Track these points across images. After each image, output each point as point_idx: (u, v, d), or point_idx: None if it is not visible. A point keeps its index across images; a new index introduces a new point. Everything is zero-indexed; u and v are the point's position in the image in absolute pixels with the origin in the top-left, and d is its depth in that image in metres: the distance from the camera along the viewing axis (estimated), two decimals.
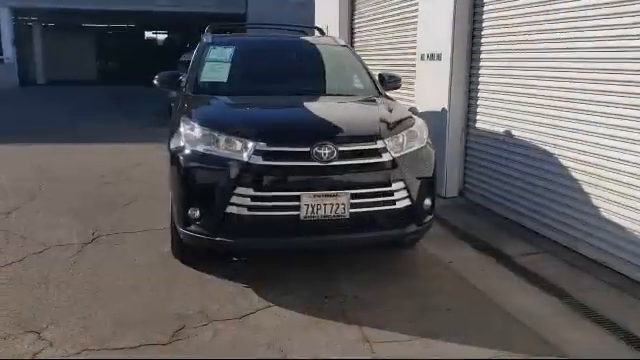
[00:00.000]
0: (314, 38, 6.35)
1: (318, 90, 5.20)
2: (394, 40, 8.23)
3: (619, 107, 4.34)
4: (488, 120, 6.08)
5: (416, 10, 7.29)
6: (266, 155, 3.82)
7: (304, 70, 5.51)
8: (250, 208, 3.83)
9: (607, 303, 3.87)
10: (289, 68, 5.50)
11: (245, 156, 3.84)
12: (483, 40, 6.15)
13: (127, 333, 3.41)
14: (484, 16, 6.10)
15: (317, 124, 4.15)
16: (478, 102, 6.30)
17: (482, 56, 6.18)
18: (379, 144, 3.99)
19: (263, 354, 3.22)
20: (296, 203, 3.82)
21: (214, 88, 4.99)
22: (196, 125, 4.11)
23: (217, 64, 5.24)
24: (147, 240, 5.07)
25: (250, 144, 3.86)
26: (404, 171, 4.02)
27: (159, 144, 10.03)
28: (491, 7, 5.97)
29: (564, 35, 4.91)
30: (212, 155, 3.94)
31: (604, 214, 4.51)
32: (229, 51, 5.39)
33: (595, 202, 4.60)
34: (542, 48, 5.18)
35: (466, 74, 6.46)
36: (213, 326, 3.52)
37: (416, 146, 4.21)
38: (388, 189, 3.98)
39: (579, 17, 4.74)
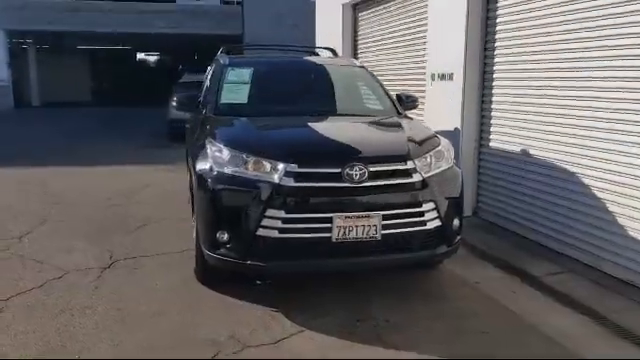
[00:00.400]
0: (330, 59, 6.34)
1: (339, 111, 5.19)
2: (402, 60, 8.26)
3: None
4: (501, 139, 6.08)
5: (425, 31, 7.32)
6: (297, 177, 3.78)
7: (323, 91, 5.50)
8: (281, 230, 3.78)
9: None
10: (308, 89, 5.49)
11: (276, 178, 3.79)
12: (496, 60, 6.17)
13: None
14: (496, 36, 6.13)
15: (346, 145, 4.11)
16: (491, 121, 6.30)
17: (495, 75, 6.20)
18: (409, 164, 3.96)
19: None
20: (328, 225, 3.77)
21: (235, 109, 4.96)
22: (223, 147, 4.07)
23: (236, 85, 5.22)
24: (166, 264, 4.99)
25: (280, 166, 3.81)
26: (434, 191, 3.99)
27: (160, 165, 10.04)
28: (503, 27, 5.99)
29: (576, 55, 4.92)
30: (241, 177, 3.90)
31: (631, 233, 4.49)
32: (248, 72, 5.38)
33: (621, 221, 4.57)
34: (554, 68, 5.20)
35: (479, 93, 6.47)
36: (248, 352, 3.45)
37: (444, 166, 4.18)
38: (419, 210, 3.94)
39: (592, 37, 4.75)
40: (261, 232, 3.79)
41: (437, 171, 4.09)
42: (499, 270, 4.89)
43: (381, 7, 9.10)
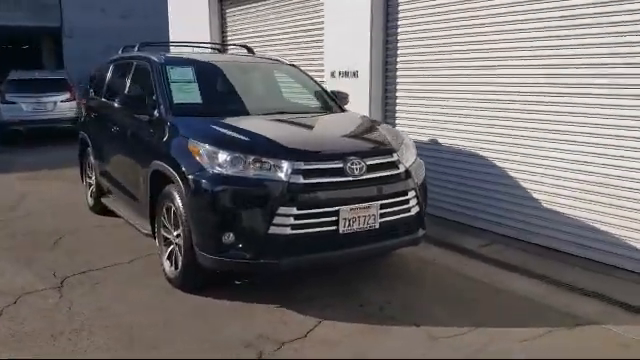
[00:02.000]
0: (262, 58, 6.38)
1: (292, 109, 5.32)
2: (293, 58, 8.51)
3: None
4: (408, 130, 6.59)
5: (320, 29, 7.66)
6: (305, 174, 3.91)
7: (269, 90, 5.58)
8: (293, 227, 3.88)
9: (579, 277, 4.62)
10: (253, 88, 5.53)
11: (283, 176, 3.88)
12: (397, 58, 6.72)
13: None
14: (397, 37, 6.69)
15: (342, 141, 4.33)
16: (396, 114, 6.86)
17: (397, 73, 6.77)
18: (395, 157, 4.31)
19: None
20: (334, 218, 3.97)
21: (191, 110, 4.83)
22: (217, 148, 4.03)
23: (183, 85, 5.07)
24: (124, 275, 4.77)
25: (285, 164, 3.91)
26: (413, 180, 4.38)
27: (12, 173, 9.14)
28: (402, 29, 6.57)
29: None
30: (247, 178, 3.91)
31: (546, 206, 5.31)
32: (189, 71, 5.24)
33: (536, 196, 5.39)
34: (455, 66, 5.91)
35: (383, 88, 7.01)
36: (290, 346, 3.54)
37: (413, 156, 4.58)
38: (405, 198, 4.31)
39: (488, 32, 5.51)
40: (273, 230, 3.86)
41: (412, 161, 4.48)
42: (442, 249, 5.43)
43: (261, 4, 9.23)
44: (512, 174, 5.56)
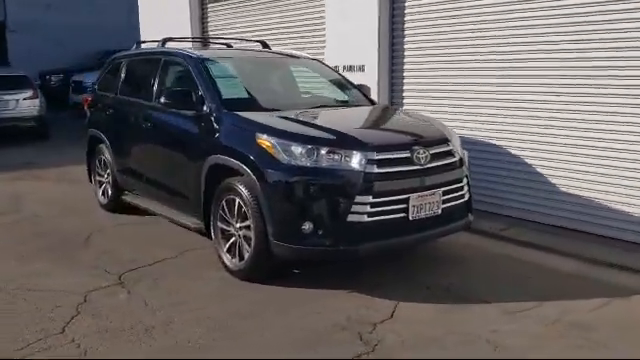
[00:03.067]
0: (290, 53, 6.47)
1: (333, 102, 5.50)
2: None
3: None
4: None
5: (320, 24, 7.83)
6: (378, 163, 4.11)
7: (307, 84, 5.71)
8: (369, 214, 4.08)
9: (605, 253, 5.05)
10: (290, 82, 5.66)
11: (359, 166, 4.07)
12: (404, 52, 7.01)
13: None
14: (404, 32, 6.97)
15: (403, 131, 4.54)
16: (403, 108, 7.14)
17: (404, 67, 7.04)
18: (450, 146, 4.57)
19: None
20: (404, 205, 4.20)
21: (240, 105, 4.90)
22: (289, 141, 4.16)
23: (226, 80, 5.15)
24: (179, 269, 4.82)
25: (359, 154, 4.09)
26: (465, 168, 4.66)
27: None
28: (408, 30, 6.85)
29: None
30: (325, 168, 4.07)
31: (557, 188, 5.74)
32: (228, 67, 5.33)
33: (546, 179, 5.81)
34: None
35: (390, 82, 7.28)
36: (382, 327, 3.72)
37: (459, 146, 4.87)
38: (460, 185, 4.58)
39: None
40: (351, 218, 4.04)
41: (460, 150, 4.76)
42: (467, 233, 5.70)
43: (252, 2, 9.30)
44: (523, 159, 5.93)
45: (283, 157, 4.12)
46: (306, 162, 4.08)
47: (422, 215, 4.27)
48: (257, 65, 5.70)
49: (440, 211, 4.39)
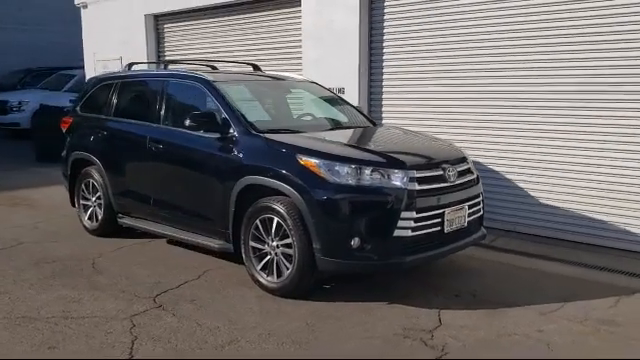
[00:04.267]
0: (289, 75, 6.62)
1: (346, 123, 5.74)
2: None
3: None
4: None
5: (295, 47, 8.13)
6: (419, 181, 4.42)
7: (314, 106, 5.93)
8: (413, 229, 4.37)
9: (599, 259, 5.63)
10: (300, 104, 5.87)
11: (402, 184, 4.36)
12: (382, 76, 7.44)
13: None
14: (382, 57, 7.39)
15: (431, 150, 4.87)
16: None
17: (382, 89, 7.48)
18: (469, 164, 4.97)
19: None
20: (440, 219, 4.53)
21: (266, 127, 5.06)
22: (333, 161, 4.38)
23: (245, 103, 5.28)
24: (209, 290, 4.85)
25: (401, 173, 4.38)
26: (481, 185, 5.08)
27: None
28: (387, 55, 7.31)
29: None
30: (370, 187, 4.33)
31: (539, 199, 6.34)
32: (243, 89, 5.47)
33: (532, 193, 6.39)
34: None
35: (368, 103, 7.67)
36: (440, 333, 4.00)
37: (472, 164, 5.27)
38: (479, 200, 4.98)
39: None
40: (397, 233, 4.31)
41: (474, 168, 5.18)
42: None
43: (211, 21, 9.41)
44: (505, 175, 6.46)
45: (329, 177, 4.32)
46: (351, 181, 4.31)
47: (453, 228, 4.62)
48: (267, 88, 5.87)
49: (466, 224, 4.75)
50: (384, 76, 7.50)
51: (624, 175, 5.70)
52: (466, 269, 5.39)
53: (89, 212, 6.57)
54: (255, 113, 5.24)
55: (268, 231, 4.65)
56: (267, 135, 4.85)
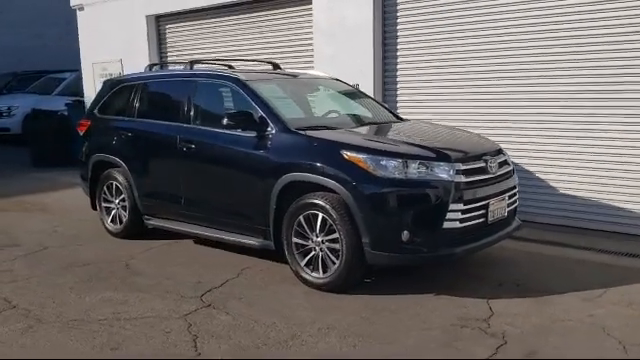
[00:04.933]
0: (315, 73, 6.64)
1: (378, 119, 5.79)
2: None
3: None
4: None
5: (305, 45, 8.19)
6: (465, 173, 4.50)
7: (342, 103, 5.98)
8: (461, 220, 4.44)
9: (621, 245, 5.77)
10: (329, 102, 5.90)
11: (449, 177, 4.42)
12: (396, 71, 7.54)
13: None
14: (396, 52, 7.48)
15: (471, 143, 4.94)
16: None
17: (398, 85, 7.58)
18: (505, 156, 5.06)
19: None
20: (484, 211, 4.61)
21: (302, 124, 5.08)
22: (381, 156, 4.43)
23: (279, 101, 5.30)
24: (253, 287, 4.86)
25: (447, 166, 4.45)
26: (516, 177, 5.17)
27: None
28: (400, 51, 7.38)
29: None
30: (419, 180, 4.38)
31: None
32: (274, 87, 5.48)
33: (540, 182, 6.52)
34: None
35: (382, 99, 7.74)
36: (496, 321, 4.08)
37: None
38: (515, 190, 5.08)
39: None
40: (447, 225, 4.38)
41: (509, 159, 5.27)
42: None
43: (219, 20, 9.39)
44: (524, 167, 6.57)
45: (377, 171, 4.37)
46: (399, 175, 4.36)
47: (496, 218, 4.71)
48: (295, 85, 5.89)
49: (506, 214, 4.84)
50: (398, 72, 7.58)
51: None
52: (501, 259, 5.47)
53: (112, 215, 6.51)
54: (290, 111, 5.25)
55: (312, 227, 4.67)
56: (308, 132, 4.87)
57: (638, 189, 5.93)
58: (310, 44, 8.18)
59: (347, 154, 4.50)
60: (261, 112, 5.05)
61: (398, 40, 7.46)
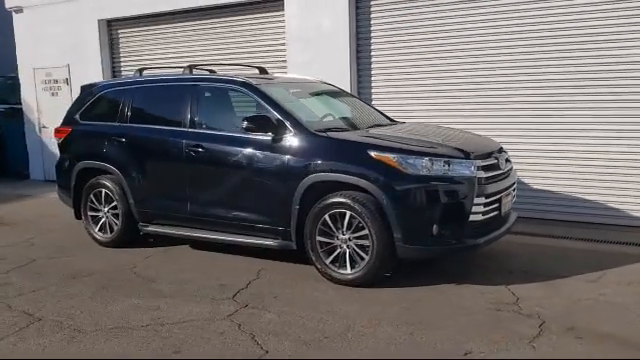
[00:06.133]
0: (304, 78, 6.74)
1: (379, 121, 6.01)
2: None
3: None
4: None
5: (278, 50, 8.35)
6: (485, 169, 4.84)
7: (344, 106, 6.16)
8: (483, 213, 4.78)
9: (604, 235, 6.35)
10: (333, 105, 6.06)
11: (471, 173, 4.74)
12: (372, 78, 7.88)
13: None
14: (371, 59, 7.81)
15: (481, 143, 5.29)
16: None
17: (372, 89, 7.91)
18: (507, 153, 5.47)
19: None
20: (498, 204, 4.98)
21: (318, 126, 5.25)
22: (408, 155, 4.68)
23: (291, 104, 5.42)
24: (278, 286, 4.94)
25: (468, 162, 4.76)
26: (515, 173, 5.59)
27: None
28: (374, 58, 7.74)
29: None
30: (446, 177, 4.66)
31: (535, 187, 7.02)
32: (286, 91, 5.60)
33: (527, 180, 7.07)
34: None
35: None
36: (525, 304, 4.41)
37: None
38: (516, 186, 5.50)
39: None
40: (472, 217, 4.70)
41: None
42: None
43: (177, 26, 9.33)
44: None
45: (407, 169, 4.61)
46: (427, 172, 4.62)
47: (505, 211, 5.10)
48: (300, 90, 6.01)
49: (511, 207, 5.24)
50: (372, 78, 7.87)
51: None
52: (500, 251, 5.82)
53: (100, 224, 6.33)
54: (304, 114, 5.37)
55: (337, 225, 4.82)
56: (329, 134, 5.03)
57: (604, 183, 6.52)
58: (283, 50, 8.29)
59: (375, 154, 4.69)
60: (278, 115, 5.15)
61: (371, 46, 7.75)
